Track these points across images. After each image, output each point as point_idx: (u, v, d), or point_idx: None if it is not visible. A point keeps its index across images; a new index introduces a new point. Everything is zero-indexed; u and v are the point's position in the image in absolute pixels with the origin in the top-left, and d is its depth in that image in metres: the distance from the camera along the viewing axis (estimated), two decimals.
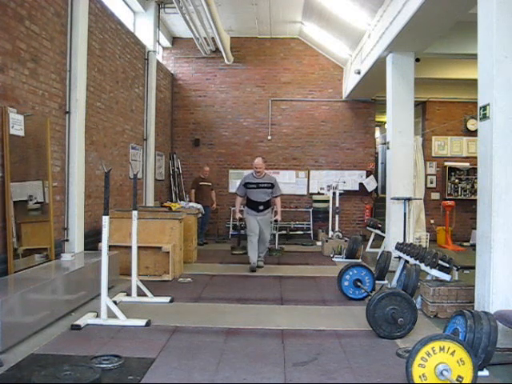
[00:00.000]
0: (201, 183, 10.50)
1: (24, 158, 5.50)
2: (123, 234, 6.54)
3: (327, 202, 11.09)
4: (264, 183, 7.60)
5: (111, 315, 4.49)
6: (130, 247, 5.47)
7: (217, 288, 6.34)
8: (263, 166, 7.67)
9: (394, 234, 7.55)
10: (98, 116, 7.56)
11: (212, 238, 11.39)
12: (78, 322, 4.38)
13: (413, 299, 4.45)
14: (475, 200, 4.65)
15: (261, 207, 7.55)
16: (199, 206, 9.25)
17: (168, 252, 6.65)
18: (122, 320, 4.47)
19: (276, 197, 7.77)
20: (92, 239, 6.94)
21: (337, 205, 10.62)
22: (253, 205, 7.60)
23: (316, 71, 12.32)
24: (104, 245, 4.52)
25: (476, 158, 4.45)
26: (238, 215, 7.89)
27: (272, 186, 7.66)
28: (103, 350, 3.79)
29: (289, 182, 12.21)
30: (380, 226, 9.28)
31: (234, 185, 12.14)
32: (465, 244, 10.89)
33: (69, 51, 6.37)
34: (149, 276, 6.58)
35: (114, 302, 4.80)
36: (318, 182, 12.19)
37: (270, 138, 12.27)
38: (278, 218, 7.91)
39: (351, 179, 12.15)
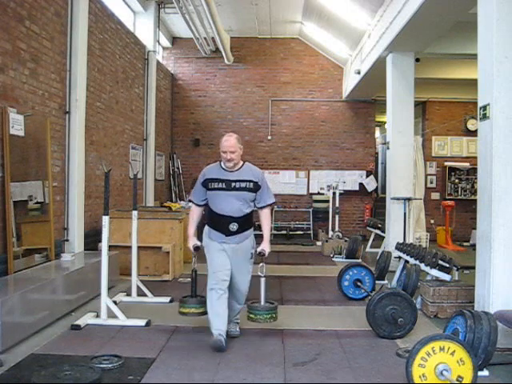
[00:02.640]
0: None
1: (24, 158, 5.50)
2: (123, 234, 6.54)
3: (327, 201, 11.09)
4: (240, 181, 4.03)
5: (111, 315, 4.49)
6: (130, 247, 5.47)
7: None
8: (238, 149, 4.06)
9: (394, 233, 7.54)
10: (98, 116, 7.56)
11: None
12: (77, 322, 4.38)
13: (413, 299, 4.45)
14: (475, 200, 4.65)
15: (233, 227, 3.99)
16: None
17: (168, 252, 6.64)
18: (121, 320, 4.47)
19: (263, 208, 4.19)
20: (92, 239, 6.94)
21: (337, 205, 10.62)
22: (218, 222, 4.03)
23: (316, 71, 12.32)
24: (104, 245, 4.52)
25: (476, 157, 4.45)
26: (193, 242, 4.16)
27: (256, 186, 4.08)
28: (103, 350, 3.79)
29: (289, 181, 12.22)
30: (380, 225, 9.28)
31: None
32: (465, 244, 10.89)
33: (69, 51, 6.38)
34: (149, 276, 6.58)
35: (114, 302, 4.80)
36: (318, 182, 12.19)
37: (270, 138, 12.27)
38: (266, 247, 4.19)
39: (351, 179, 12.16)
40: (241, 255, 4.08)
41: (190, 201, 4.32)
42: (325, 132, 12.29)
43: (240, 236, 4.04)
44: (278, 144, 12.29)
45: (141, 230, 6.08)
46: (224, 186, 3.99)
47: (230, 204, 3.97)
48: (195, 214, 4.21)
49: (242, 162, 4.11)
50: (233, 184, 3.99)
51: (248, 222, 4.11)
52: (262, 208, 4.18)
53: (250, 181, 4.03)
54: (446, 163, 12.21)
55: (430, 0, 5.49)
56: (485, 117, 4.06)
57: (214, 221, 4.05)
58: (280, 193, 12.12)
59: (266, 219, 4.22)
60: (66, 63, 6.36)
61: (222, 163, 4.09)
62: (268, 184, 4.24)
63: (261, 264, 4.06)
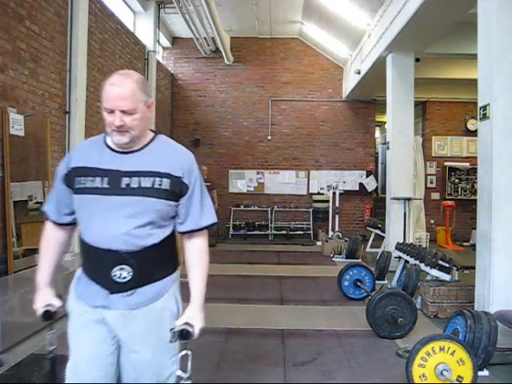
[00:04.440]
0: None
1: (24, 158, 5.50)
2: None
3: (327, 201, 11.10)
4: (142, 175, 1.78)
5: None
6: None
7: (217, 288, 6.33)
8: (142, 105, 1.76)
9: (394, 234, 7.54)
10: (97, 116, 7.55)
11: (212, 237, 11.39)
12: None
13: (413, 299, 4.46)
14: (475, 200, 4.65)
15: (121, 274, 1.76)
16: None
17: None
18: None
19: (193, 234, 1.89)
20: None
21: (337, 205, 10.63)
22: (93, 264, 1.84)
23: (316, 71, 12.32)
24: None
25: (476, 157, 4.45)
26: (42, 301, 1.90)
27: (177, 185, 1.81)
28: None
29: (289, 182, 12.22)
30: (380, 226, 9.28)
31: (235, 185, 12.19)
32: (465, 244, 10.90)
33: (69, 51, 6.38)
34: None
35: None
36: (318, 182, 12.19)
37: (270, 138, 12.27)
38: (196, 319, 1.87)
39: (351, 179, 12.16)
40: (146, 337, 1.84)
41: (44, 214, 2.04)
42: (325, 132, 12.29)
43: (141, 293, 1.82)
44: (277, 144, 12.29)
45: None
46: (106, 185, 1.79)
47: (115, 224, 1.76)
48: (50, 241, 2.02)
49: (151, 135, 1.90)
50: (125, 181, 1.78)
51: (161, 261, 1.88)
52: (189, 235, 1.91)
53: (163, 175, 1.80)
54: (446, 163, 12.21)
55: (430, 0, 5.49)
56: (485, 117, 4.06)
57: (87, 260, 1.89)
58: (280, 193, 12.14)
59: (198, 259, 1.92)
60: (66, 63, 6.36)
61: (106, 137, 1.87)
62: (205, 187, 1.94)
63: (183, 352, 1.92)
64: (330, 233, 10.52)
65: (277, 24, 11.39)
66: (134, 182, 1.78)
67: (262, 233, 11.89)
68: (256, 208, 12.02)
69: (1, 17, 4.87)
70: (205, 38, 11.06)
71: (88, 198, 1.80)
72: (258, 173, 12.20)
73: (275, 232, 11.91)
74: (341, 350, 3.92)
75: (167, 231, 1.87)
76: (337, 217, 10.62)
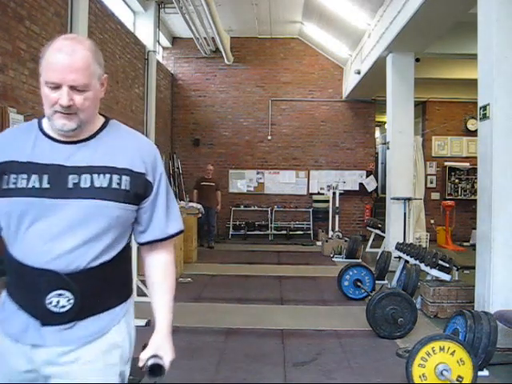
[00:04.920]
0: (202, 183, 10.05)
1: None
2: None
3: (327, 202, 11.10)
4: (94, 171, 1.37)
5: None
6: None
7: (217, 288, 6.34)
8: (95, 81, 1.54)
9: (394, 233, 7.54)
10: None
11: (211, 238, 11.37)
12: None
13: (413, 299, 4.46)
14: (475, 200, 4.66)
15: (57, 301, 1.32)
16: (199, 206, 9.21)
17: None
18: None
19: (157, 244, 1.52)
20: None
21: (337, 205, 10.63)
22: (24, 287, 1.36)
23: (316, 71, 12.32)
24: None
25: (476, 157, 4.45)
26: None
27: (140, 185, 1.42)
28: None
29: (289, 182, 12.22)
30: (380, 225, 9.28)
31: (235, 185, 12.19)
32: (465, 244, 10.89)
33: None
34: None
35: None
36: (318, 182, 12.19)
37: (270, 138, 12.27)
38: (164, 350, 1.57)
39: (351, 179, 12.16)
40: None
41: None
42: (325, 132, 12.29)
43: (83, 327, 1.41)
44: (278, 144, 12.29)
45: None
46: (46, 185, 1.35)
47: (57, 236, 1.34)
48: None
49: (101, 120, 1.57)
50: (72, 179, 1.37)
51: (111, 285, 1.48)
52: (151, 246, 1.54)
53: (122, 171, 1.41)
54: (446, 163, 12.21)
55: (430, 0, 5.49)
56: (485, 117, 4.06)
57: (14, 282, 1.42)
58: (280, 193, 12.14)
59: (163, 278, 1.58)
60: None
61: (42, 121, 1.48)
62: (169, 186, 1.56)
63: None
64: (330, 233, 10.52)
65: (277, 24, 11.39)
66: (85, 181, 1.36)
67: (261, 233, 11.89)
68: (256, 208, 12.03)
69: (1, 17, 4.87)
70: (205, 38, 11.06)
71: (20, 201, 1.33)
72: (258, 173, 12.21)
73: (275, 232, 11.92)
74: (341, 350, 3.93)
75: (121, 245, 1.45)
76: (337, 217, 10.63)
